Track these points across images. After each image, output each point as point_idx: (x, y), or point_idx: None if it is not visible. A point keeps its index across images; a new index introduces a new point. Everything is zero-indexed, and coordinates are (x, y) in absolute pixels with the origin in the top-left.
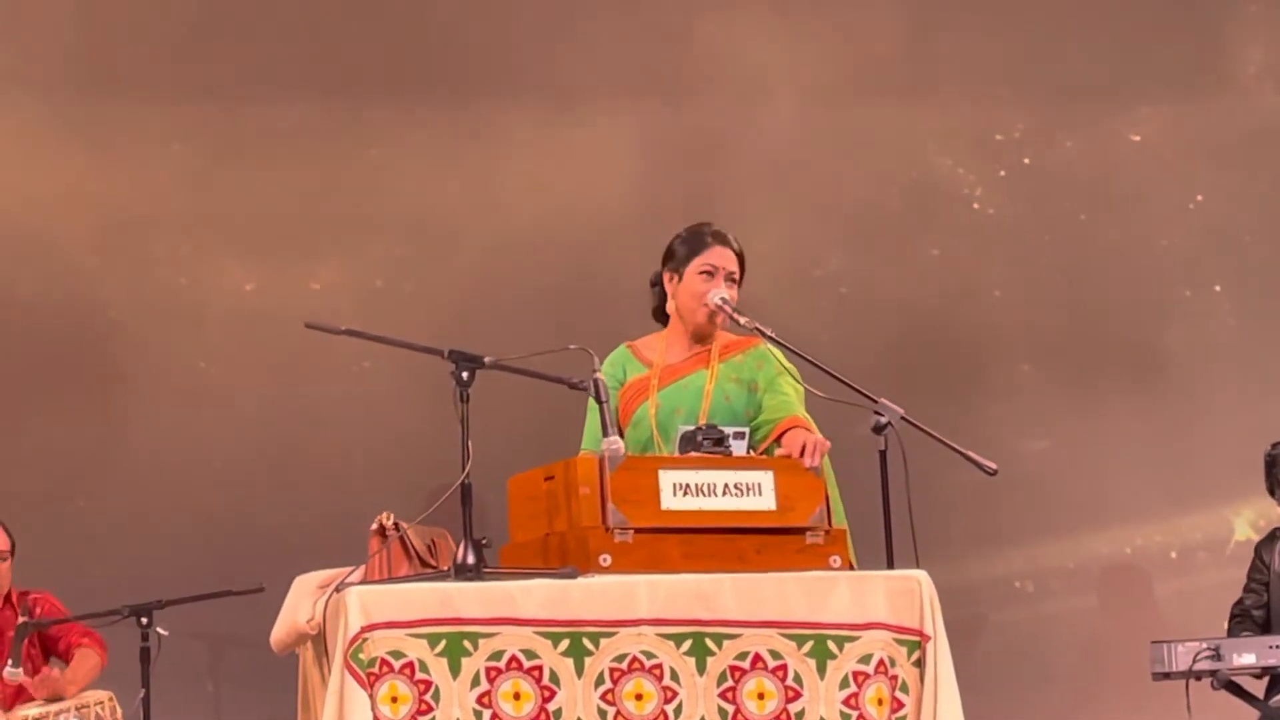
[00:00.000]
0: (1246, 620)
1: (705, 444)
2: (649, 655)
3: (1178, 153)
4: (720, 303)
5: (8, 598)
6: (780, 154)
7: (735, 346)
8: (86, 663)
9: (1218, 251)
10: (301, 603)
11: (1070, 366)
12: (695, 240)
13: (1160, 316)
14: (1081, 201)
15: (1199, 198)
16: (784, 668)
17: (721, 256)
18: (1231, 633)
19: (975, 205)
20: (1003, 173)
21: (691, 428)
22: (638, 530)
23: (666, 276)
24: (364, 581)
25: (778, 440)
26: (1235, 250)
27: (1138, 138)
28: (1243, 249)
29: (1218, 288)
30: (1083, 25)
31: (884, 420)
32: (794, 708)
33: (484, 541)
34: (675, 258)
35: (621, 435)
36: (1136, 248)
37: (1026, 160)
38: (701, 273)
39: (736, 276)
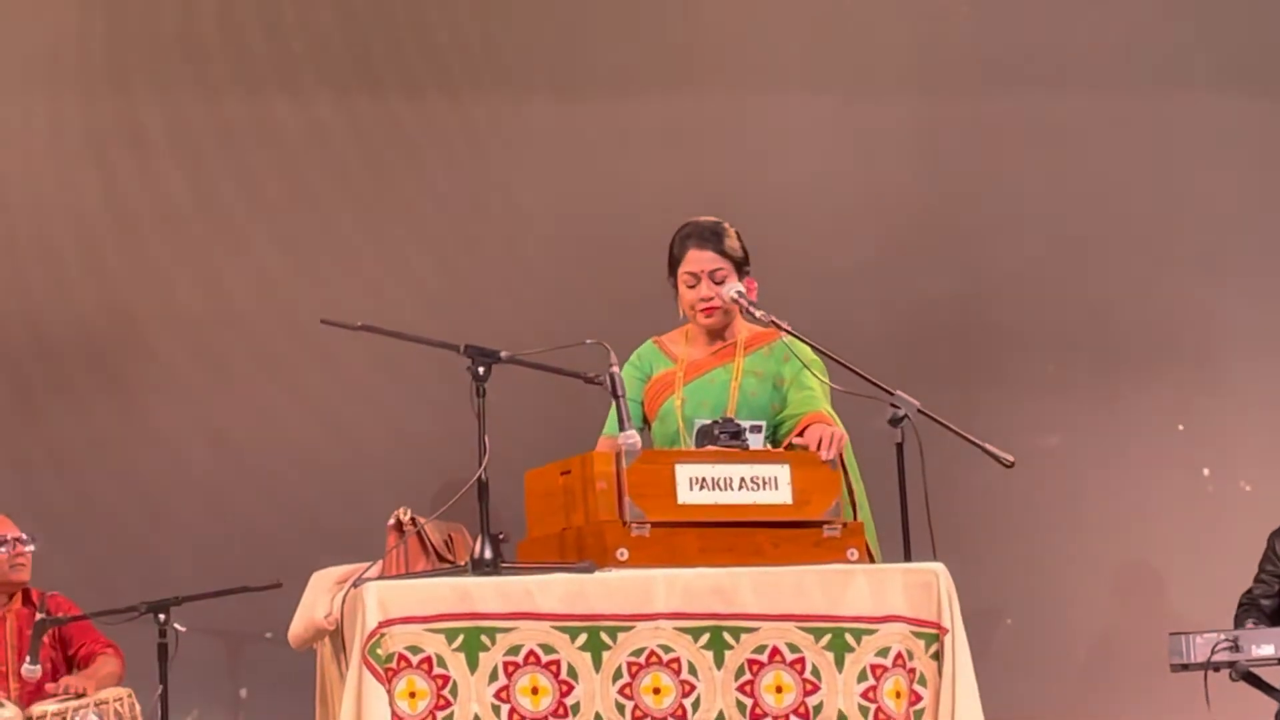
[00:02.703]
0: (1253, 610)
1: (722, 438)
2: (667, 649)
3: (1197, 142)
4: (736, 296)
5: (26, 596)
6: (800, 146)
7: (759, 340)
8: (106, 667)
9: (1237, 241)
10: (319, 598)
11: (1087, 358)
12: (677, 245)
13: (1178, 308)
14: (1100, 192)
15: (1219, 187)
16: (802, 661)
17: (698, 260)
18: (1238, 622)
19: (992, 198)
20: (1020, 165)
21: (708, 421)
22: (655, 524)
23: (671, 280)
24: (381, 577)
25: (800, 435)
26: (1255, 240)
27: (1157, 128)
28: (1262, 238)
29: (1236, 278)
30: (1078, 13)
31: (900, 413)
32: (812, 701)
33: (501, 536)
34: (669, 263)
35: (649, 428)
36: (1155, 238)
37: (1045, 152)
38: (685, 283)
39: (724, 274)
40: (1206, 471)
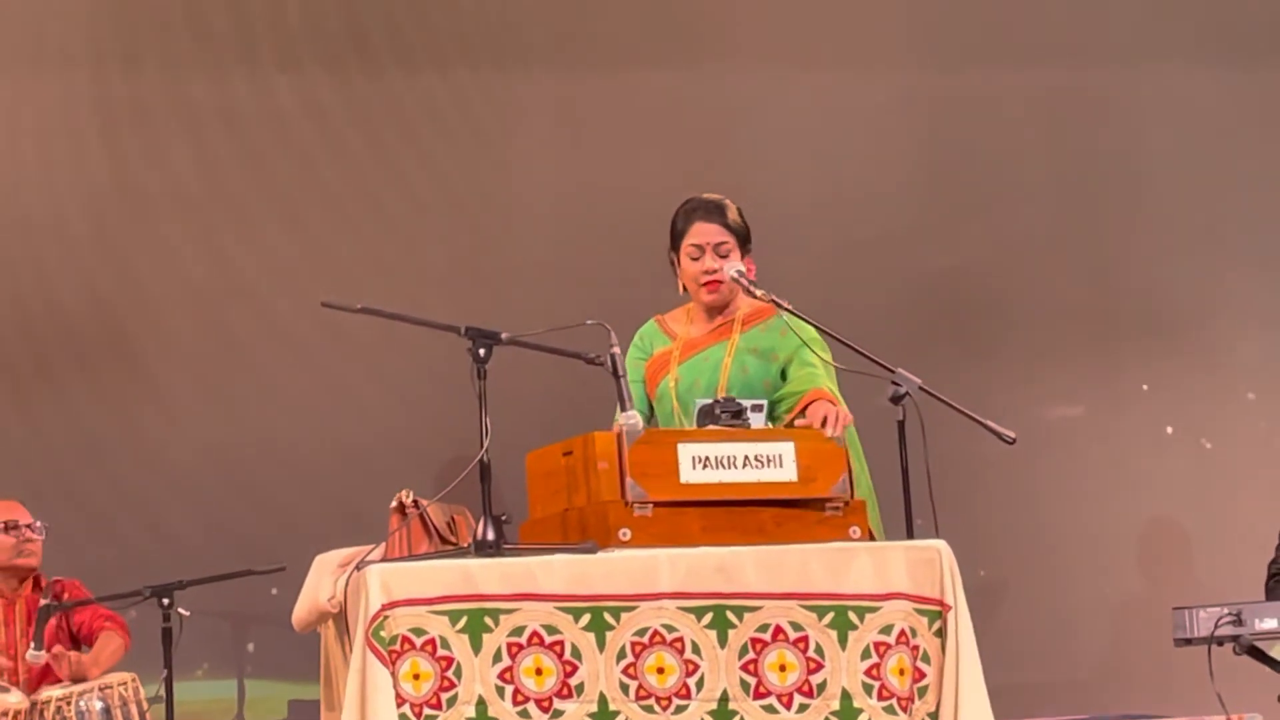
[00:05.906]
0: None
1: (723, 417)
2: (670, 629)
3: (1197, 115)
4: (736, 275)
5: (36, 582)
6: (800, 123)
7: (756, 316)
8: (110, 645)
9: (1237, 210)
10: (323, 581)
11: (1089, 332)
12: (681, 219)
13: (1180, 277)
14: (1101, 164)
15: (1219, 159)
16: (805, 639)
17: (704, 233)
18: (1271, 594)
19: (996, 171)
20: (1023, 138)
21: (709, 401)
22: (657, 504)
23: (672, 256)
24: (384, 559)
25: (803, 413)
26: (1255, 208)
27: (1157, 102)
28: (1262, 207)
29: (1237, 245)
30: None
31: (902, 391)
32: (815, 679)
33: (504, 518)
34: (671, 238)
35: (652, 409)
36: (1155, 209)
37: (1045, 126)
38: (689, 255)
39: (728, 248)
40: (1218, 444)
